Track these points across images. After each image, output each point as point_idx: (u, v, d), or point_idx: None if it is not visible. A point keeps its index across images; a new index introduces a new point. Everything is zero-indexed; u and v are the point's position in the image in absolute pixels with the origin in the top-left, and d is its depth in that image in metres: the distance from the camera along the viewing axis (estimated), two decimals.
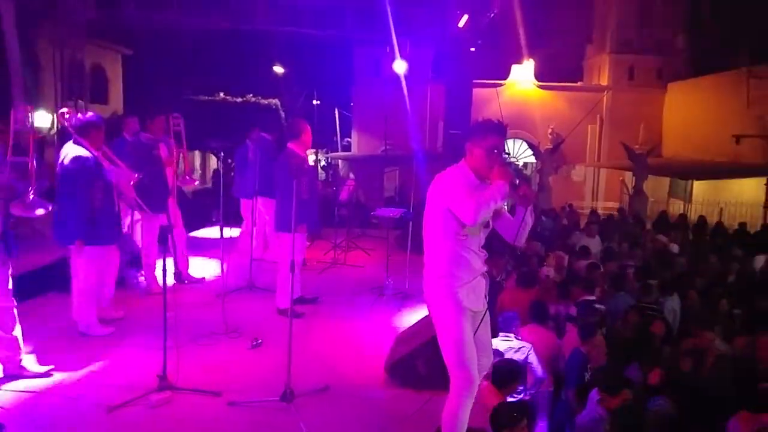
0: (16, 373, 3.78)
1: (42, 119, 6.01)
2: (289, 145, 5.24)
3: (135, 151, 5.46)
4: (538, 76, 18.45)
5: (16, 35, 8.55)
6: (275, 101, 18.39)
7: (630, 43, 17.91)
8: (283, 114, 18.47)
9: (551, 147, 17.38)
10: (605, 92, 18.24)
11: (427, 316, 4.00)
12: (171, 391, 3.60)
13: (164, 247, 3.75)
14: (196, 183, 6.55)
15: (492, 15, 9.11)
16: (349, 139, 19.17)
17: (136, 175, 4.64)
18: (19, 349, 3.79)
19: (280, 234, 5.17)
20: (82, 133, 4.45)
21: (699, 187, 15.12)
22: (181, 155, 6.06)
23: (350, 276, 6.92)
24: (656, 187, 16.58)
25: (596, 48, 19.38)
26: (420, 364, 3.84)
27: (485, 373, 3.04)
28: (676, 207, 15.28)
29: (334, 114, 19.81)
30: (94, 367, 4.05)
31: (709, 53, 16.60)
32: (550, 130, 17.88)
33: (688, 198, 15.25)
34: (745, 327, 5.22)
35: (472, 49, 8.89)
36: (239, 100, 17.84)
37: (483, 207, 2.62)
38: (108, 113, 13.89)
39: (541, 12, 17.40)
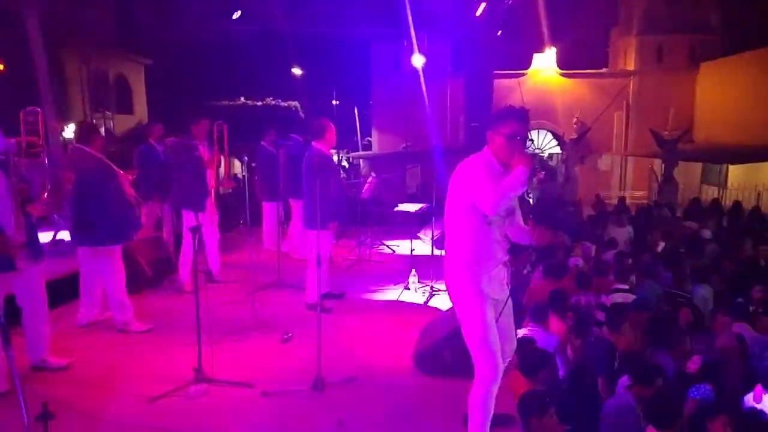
0: (38, 364, 3.98)
1: (72, 131, 6.28)
2: (314, 143, 5.37)
3: (176, 153, 5.78)
4: (561, 64, 18.16)
5: (44, 51, 8.84)
6: (295, 103, 18.55)
7: (658, 23, 17.31)
8: (303, 115, 18.61)
9: (576, 136, 17.10)
10: (632, 77, 17.83)
11: (452, 306, 4.00)
12: (207, 383, 3.76)
13: (193, 246, 3.86)
14: (233, 185, 6.81)
15: (510, 2, 9.00)
16: (369, 138, 19.18)
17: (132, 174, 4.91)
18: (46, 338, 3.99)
19: (308, 231, 5.26)
20: (85, 140, 4.61)
21: (734, 171, 14.63)
22: (222, 159, 6.29)
23: (375, 271, 7.00)
24: (688, 173, 16.14)
25: (622, 30, 18.92)
26: (447, 354, 3.87)
27: (509, 359, 3.02)
28: (710, 193, 14.82)
29: (354, 114, 19.85)
30: (134, 362, 4.25)
31: (744, 29, 15.98)
32: (574, 120, 17.59)
33: (722, 184, 14.79)
34: None
35: (499, 33, 8.77)
36: (259, 103, 18.04)
37: (502, 196, 2.60)
38: (134, 122, 14.21)
39: None
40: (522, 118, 2.79)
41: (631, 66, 18.00)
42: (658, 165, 15.47)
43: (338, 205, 5.25)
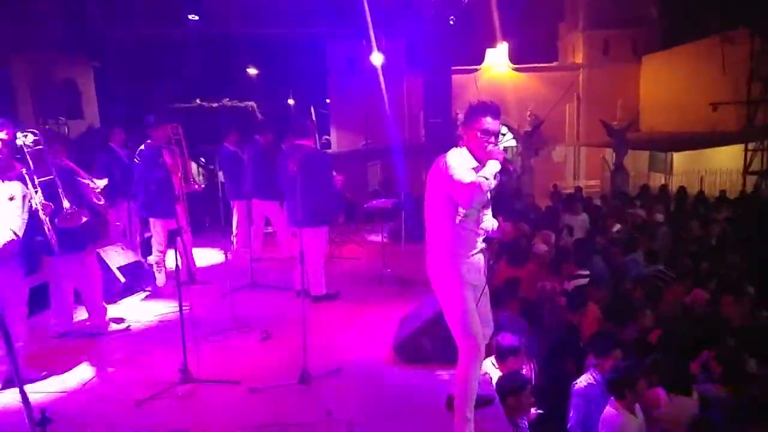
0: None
1: (23, 139, 6.10)
2: (301, 142, 5.42)
3: (144, 160, 5.72)
4: (513, 58, 18.62)
5: None
6: (251, 103, 18.33)
7: (603, 18, 18.02)
8: (259, 116, 18.43)
9: (530, 129, 17.62)
10: (581, 70, 18.49)
11: (428, 297, 4.18)
12: (194, 383, 3.81)
13: (175, 249, 3.89)
14: (202, 187, 6.79)
15: (466, 1, 9.25)
16: (327, 137, 19.17)
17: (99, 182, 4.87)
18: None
19: (306, 229, 5.05)
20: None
21: (679, 158, 15.39)
22: (183, 162, 6.25)
23: (348, 268, 7.11)
24: (636, 161, 16.87)
25: (569, 26, 19.56)
26: (425, 341, 4.04)
27: (486, 342, 3.21)
28: (658, 180, 15.57)
29: (310, 112, 19.77)
30: (117, 365, 4.28)
31: (681, 22, 16.77)
32: (528, 113, 18.09)
33: (668, 170, 15.54)
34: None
35: (451, 23, 8.94)
36: (215, 104, 17.76)
37: (477, 190, 2.75)
38: (85, 127, 13.80)
39: None
40: (494, 114, 2.97)
41: (579, 59, 18.66)
42: (609, 154, 16.13)
43: (338, 201, 5.48)
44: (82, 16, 11.63)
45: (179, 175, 6.09)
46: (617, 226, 8.45)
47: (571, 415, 3.78)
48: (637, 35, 18.17)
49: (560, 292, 5.69)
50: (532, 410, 3.62)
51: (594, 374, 3.85)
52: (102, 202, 4.82)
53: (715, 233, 7.94)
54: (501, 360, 3.97)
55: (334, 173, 5.74)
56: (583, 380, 3.88)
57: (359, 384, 3.90)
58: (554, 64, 19.70)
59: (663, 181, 14.53)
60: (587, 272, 5.98)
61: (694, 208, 10.07)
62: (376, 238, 7.46)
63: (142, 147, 5.87)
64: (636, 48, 18.19)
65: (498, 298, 4.74)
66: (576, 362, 4.39)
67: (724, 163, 13.89)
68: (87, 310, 4.85)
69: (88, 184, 4.71)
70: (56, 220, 4.09)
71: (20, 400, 2.54)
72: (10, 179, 3.73)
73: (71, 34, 11.96)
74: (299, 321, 3.88)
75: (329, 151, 18.54)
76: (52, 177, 4.13)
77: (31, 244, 3.92)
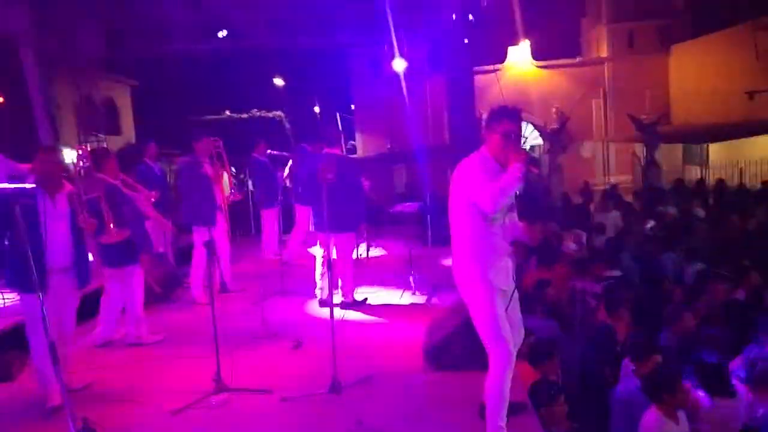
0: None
1: (67, 157, 6.40)
2: (330, 150, 5.65)
3: (186, 171, 6.07)
4: (536, 55, 18.42)
5: (37, 78, 8.95)
6: (279, 113, 18.62)
7: (626, 11, 17.71)
8: (288, 125, 18.69)
9: (557, 126, 17.38)
10: (605, 64, 18.15)
11: (457, 301, 4.16)
12: (227, 393, 3.87)
13: (208, 260, 4.00)
14: (240, 197, 7.07)
15: (486, 2, 9.20)
16: (353, 142, 19.29)
17: (154, 194, 5.30)
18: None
19: (338, 234, 5.44)
20: (98, 167, 4.79)
21: (715, 150, 14.93)
22: (225, 173, 6.51)
23: (375, 273, 7.10)
24: (670, 155, 16.46)
25: (592, 20, 19.28)
26: (456, 348, 4.01)
27: (518, 347, 3.18)
28: (693, 173, 15.14)
29: (336, 119, 19.94)
30: (152, 376, 4.36)
31: (710, 10, 16.35)
32: (554, 110, 17.85)
33: (704, 163, 15.09)
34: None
35: (473, 25, 8.94)
36: (245, 116, 18.10)
37: (500, 195, 2.75)
38: (122, 143, 14.27)
39: None
40: (514, 117, 2.97)
41: (603, 53, 18.33)
42: (639, 149, 15.78)
43: (365, 206, 5.75)
44: (121, 37, 12.01)
45: (221, 185, 6.32)
46: (651, 223, 8.26)
47: (613, 423, 3.70)
48: (663, 26, 17.75)
49: (591, 293, 5.60)
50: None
51: (635, 382, 3.75)
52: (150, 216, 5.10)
53: (757, 227, 7.68)
54: (534, 364, 3.92)
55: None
56: (623, 386, 3.80)
57: (389, 392, 3.89)
58: (577, 59, 19.41)
59: (699, 175, 14.12)
60: (618, 272, 5.86)
61: (734, 201, 9.75)
62: (403, 242, 7.45)
63: (184, 159, 6.10)
64: (663, 39, 17.77)
65: (528, 301, 4.70)
66: (612, 367, 4.31)
67: (764, 153, 13.41)
68: (127, 321, 4.99)
69: (143, 197, 5.06)
70: (100, 237, 4.25)
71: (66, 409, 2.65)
72: (60, 196, 3.86)
73: (112, 54, 12.37)
74: (329, 328, 3.91)
75: (355, 156, 18.68)
76: (98, 195, 4.29)
77: (84, 257, 4.05)
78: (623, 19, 17.73)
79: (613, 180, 16.58)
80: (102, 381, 4.24)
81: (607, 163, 18.62)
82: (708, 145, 14.97)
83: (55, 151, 4.00)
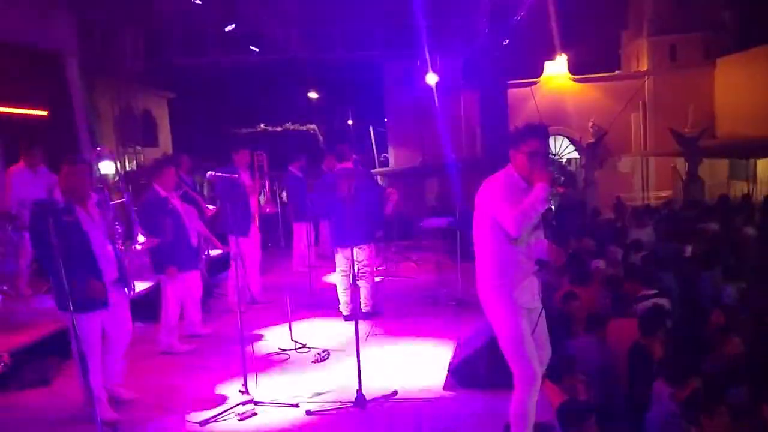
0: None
1: (106, 166, 6.61)
2: (343, 165, 5.91)
3: (224, 181, 6.05)
4: (573, 69, 18.21)
5: (80, 90, 9.34)
6: (313, 126, 18.88)
7: (669, 24, 17.33)
8: (320, 138, 18.92)
9: (593, 140, 17.06)
10: (646, 78, 17.77)
11: (484, 319, 4.09)
12: (254, 404, 3.89)
13: (235, 270, 4.06)
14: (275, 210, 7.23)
15: (520, 16, 9.14)
16: (386, 155, 19.36)
17: (211, 209, 5.71)
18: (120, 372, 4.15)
19: (365, 247, 5.73)
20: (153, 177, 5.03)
21: (764, 164, 14.42)
22: (263, 186, 6.68)
23: (403, 287, 7.08)
24: (714, 170, 15.95)
25: (633, 33, 18.91)
26: (482, 366, 3.95)
27: (544, 367, 3.10)
28: (739, 189, 14.60)
29: (369, 132, 20.09)
30: (183, 384, 4.42)
31: (756, 22, 15.87)
32: (590, 124, 17.56)
33: (752, 178, 14.56)
34: None
35: (506, 43, 8.92)
36: (279, 129, 18.42)
37: (524, 219, 2.71)
38: (158, 154, 14.65)
39: (572, 4, 17.13)
40: (541, 135, 2.91)
41: (644, 67, 17.97)
42: (681, 163, 15.34)
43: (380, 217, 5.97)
44: (159, 49, 12.43)
45: (257, 197, 6.44)
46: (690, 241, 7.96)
47: None
48: (707, 39, 17.31)
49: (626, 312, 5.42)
50: None
51: (672, 407, 3.61)
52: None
53: None
54: (555, 380, 3.81)
55: (388, 189, 6.04)
56: (657, 409, 3.66)
57: (414, 408, 3.85)
58: (617, 73, 19.07)
59: (745, 190, 13.61)
60: (654, 291, 5.66)
61: None
62: (432, 256, 7.40)
63: (222, 169, 6.26)
64: (707, 52, 17.32)
65: (562, 320, 4.59)
66: (646, 389, 4.15)
67: None
68: (160, 329, 5.11)
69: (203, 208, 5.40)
70: (129, 245, 4.32)
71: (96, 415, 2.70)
72: (91, 207, 3.90)
73: (150, 66, 12.81)
74: (355, 342, 3.91)
75: (387, 168, 18.76)
76: (122, 201, 4.39)
77: (123, 264, 4.09)
78: (666, 32, 17.37)
79: (652, 195, 16.14)
80: (133, 387, 4.29)
81: (646, 178, 18.16)
82: (755, 160, 14.44)
83: (79, 164, 3.90)
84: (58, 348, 4.86)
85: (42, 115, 8.12)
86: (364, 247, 5.64)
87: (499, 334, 2.95)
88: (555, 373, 3.81)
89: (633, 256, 7.43)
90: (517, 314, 2.86)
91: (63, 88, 8.95)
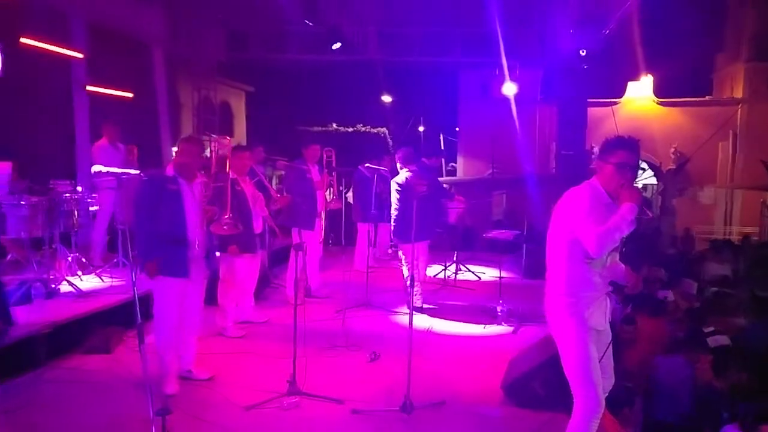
0: (184, 375, 4.20)
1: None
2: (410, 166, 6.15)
3: (293, 174, 6.38)
4: (659, 92, 17.38)
5: (164, 79, 9.85)
6: (383, 129, 18.97)
7: None
8: (390, 142, 18.97)
9: (675, 167, 16.20)
10: (739, 105, 16.69)
11: (544, 336, 3.91)
12: (299, 396, 3.88)
13: (295, 262, 4.08)
14: (340, 207, 7.34)
15: (606, 32, 8.80)
16: (454, 164, 19.18)
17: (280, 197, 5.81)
18: (194, 352, 4.26)
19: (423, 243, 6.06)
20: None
21: None
22: (331, 182, 6.73)
23: (462, 298, 6.94)
24: None
25: (729, 56, 17.84)
26: (538, 385, 3.77)
27: (606, 394, 2.90)
28: None
29: (439, 139, 19.99)
30: (234, 369, 4.48)
31: None
32: (672, 149, 16.70)
33: None
34: None
35: (587, 63, 8.63)
36: (350, 129, 18.63)
37: (608, 239, 2.55)
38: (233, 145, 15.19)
39: (661, 24, 16.37)
40: (633, 148, 2.74)
41: (739, 94, 16.89)
42: None
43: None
44: (241, 44, 12.89)
45: (324, 192, 6.50)
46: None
47: None
48: None
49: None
50: None
51: None
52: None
53: None
54: (614, 412, 3.57)
55: (457, 195, 5.95)
56: None
57: (462, 421, 3.73)
58: (707, 98, 18.03)
59: None
60: (711, 328, 5.25)
61: None
62: (494, 269, 7.20)
63: (292, 163, 6.43)
64: None
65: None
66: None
67: None
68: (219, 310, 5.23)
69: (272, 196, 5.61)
70: (210, 226, 4.35)
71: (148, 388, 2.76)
72: (196, 185, 4.05)
73: (231, 60, 13.32)
74: (408, 345, 3.83)
75: (454, 178, 18.59)
76: (223, 185, 4.48)
77: (212, 243, 4.24)
78: (765, 58, 16.24)
79: (735, 230, 15.12)
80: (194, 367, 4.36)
81: (730, 211, 17.03)
82: None
83: (196, 143, 4.07)
84: (123, 318, 5.09)
85: (127, 97, 8.58)
86: (421, 244, 5.79)
87: (564, 354, 2.78)
88: (615, 404, 3.57)
89: (708, 291, 6.99)
90: (586, 334, 2.70)
91: (148, 75, 9.44)
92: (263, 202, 5.59)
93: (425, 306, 6.13)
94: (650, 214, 2.68)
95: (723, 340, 4.94)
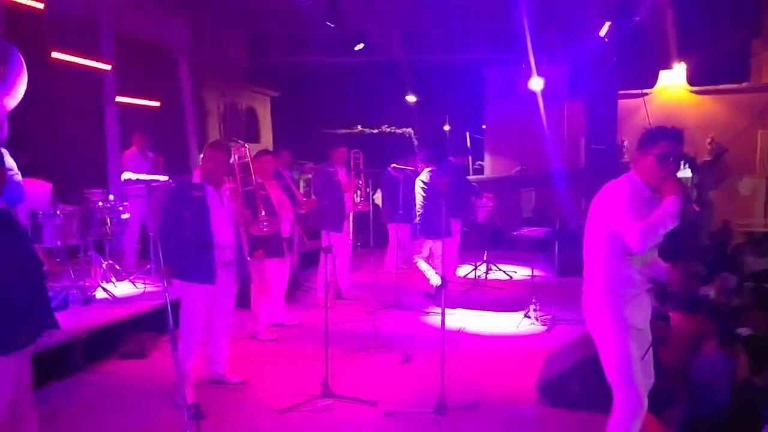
0: (217, 379, 4.23)
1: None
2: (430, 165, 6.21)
3: (320, 176, 6.46)
4: (692, 80, 16.85)
5: (190, 86, 10.01)
6: (409, 130, 18.92)
7: None
8: (415, 142, 18.90)
9: (711, 159, 15.69)
10: None
11: (581, 335, 3.81)
12: (332, 399, 3.87)
13: (324, 265, 4.07)
14: (368, 209, 7.33)
15: (637, 19, 8.57)
16: (481, 162, 18.99)
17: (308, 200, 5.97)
18: (227, 356, 4.28)
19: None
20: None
21: None
22: (358, 184, 6.81)
23: (493, 297, 6.85)
24: None
25: (764, 42, 17.22)
26: (574, 384, 3.67)
27: (646, 393, 2.79)
28: None
29: (465, 138, 19.82)
30: (266, 372, 4.50)
31: None
32: (709, 140, 16.18)
33: None
34: None
35: (616, 55, 8.43)
36: (375, 131, 18.63)
37: (651, 234, 2.43)
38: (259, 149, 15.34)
39: (694, 8, 15.84)
40: (676, 138, 2.60)
41: None
42: None
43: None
44: (264, 50, 12.98)
45: (352, 194, 6.53)
46: None
47: None
48: None
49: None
50: None
51: None
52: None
53: None
54: (655, 412, 3.44)
55: (486, 193, 6.58)
56: None
57: (497, 422, 3.65)
58: (744, 85, 17.42)
59: None
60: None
61: None
62: (525, 267, 7.08)
63: (320, 165, 6.50)
64: None
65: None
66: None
67: None
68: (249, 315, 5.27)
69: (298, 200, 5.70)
70: (250, 227, 4.47)
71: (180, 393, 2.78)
72: (224, 191, 4.08)
73: (256, 66, 13.44)
74: (440, 346, 3.77)
75: (482, 176, 18.42)
76: (253, 189, 4.53)
77: (242, 250, 4.25)
78: None
79: None
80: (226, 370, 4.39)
81: None
82: None
83: (221, 149, 4.05)
84: (156, 324, 5.16)
85: (155, 106, 8.74)
86: (450, 239, 5.95)
87: (604, 354, 2.69)
88: (656, 404, 3.45)
89: (747, 286, 6.74)
90: (627, 332, 2.59)
91: (175, 84, 9.60)
92: (290, 206, 5.61)
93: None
94: (697, 209, 2.55)
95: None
